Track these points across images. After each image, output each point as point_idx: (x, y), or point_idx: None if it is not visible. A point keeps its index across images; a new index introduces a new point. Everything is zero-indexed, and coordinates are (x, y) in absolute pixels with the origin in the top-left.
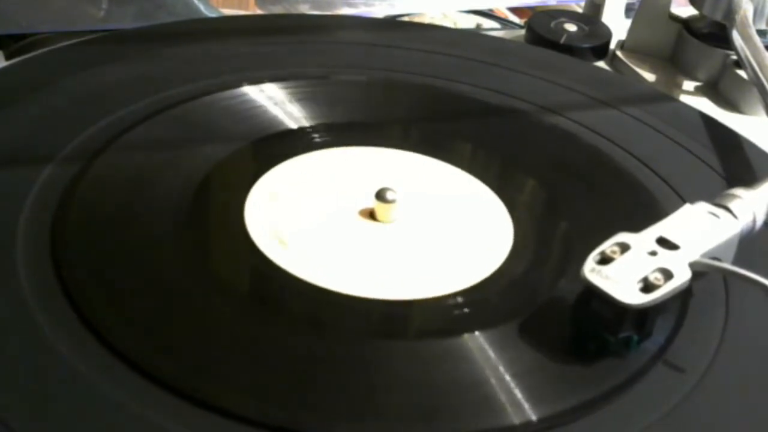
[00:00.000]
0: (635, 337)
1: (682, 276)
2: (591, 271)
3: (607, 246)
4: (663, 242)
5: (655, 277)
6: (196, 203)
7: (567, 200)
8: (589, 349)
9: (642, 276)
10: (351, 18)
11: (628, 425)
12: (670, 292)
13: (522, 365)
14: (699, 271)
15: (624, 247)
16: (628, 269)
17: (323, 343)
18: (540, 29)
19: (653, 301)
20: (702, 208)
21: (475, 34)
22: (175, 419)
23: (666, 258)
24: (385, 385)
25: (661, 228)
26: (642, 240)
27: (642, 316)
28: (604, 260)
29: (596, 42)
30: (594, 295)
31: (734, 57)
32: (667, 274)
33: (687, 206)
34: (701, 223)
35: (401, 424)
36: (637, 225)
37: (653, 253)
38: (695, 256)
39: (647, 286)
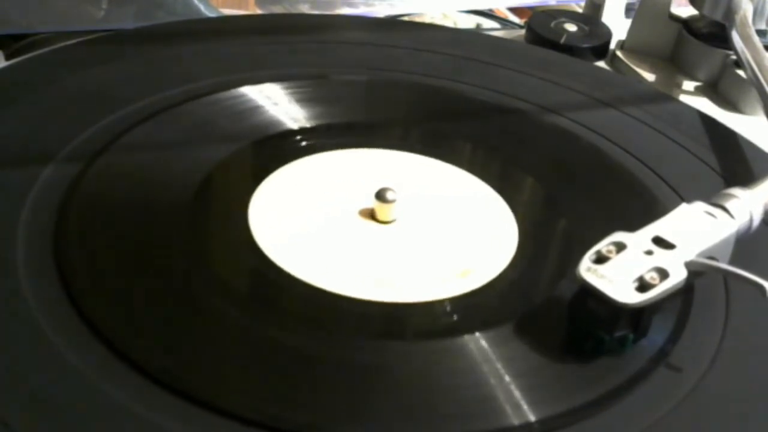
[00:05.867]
0: (631, 336)
1: (677, 275)
2: (587, 270)
3: (603, 245)
4: (659, 241)
5: (651, 277)
6: (196, 203)
7: (566, 200)
8: (585, 348)
9: (638, 275)
10: (351, 18)
11: (628, 426)
12: (666, 292)
13: (522, 366)
14: (695, 271)
15: (620, 247)
16: (623, 268)
17: (323, 343)
18: (540, 29)
19: (648, 300)
20: (699, 207)
21: (475, 34)
22: (175, 419)
23: (662, 257)
24: (384, 385)
25: (658, 227)
26: (638, 239)
27: (638, 315)
28: (600, 259)
29: (596, 42)
30: (589, 294)
31: (734, 57)
32: (663, 274)
33: (684, 205)
34: (698, 223)
35: (400, 425)
36: (637, 225)
37: (649, 253)
38: (691, 256)
39: (643, 286)
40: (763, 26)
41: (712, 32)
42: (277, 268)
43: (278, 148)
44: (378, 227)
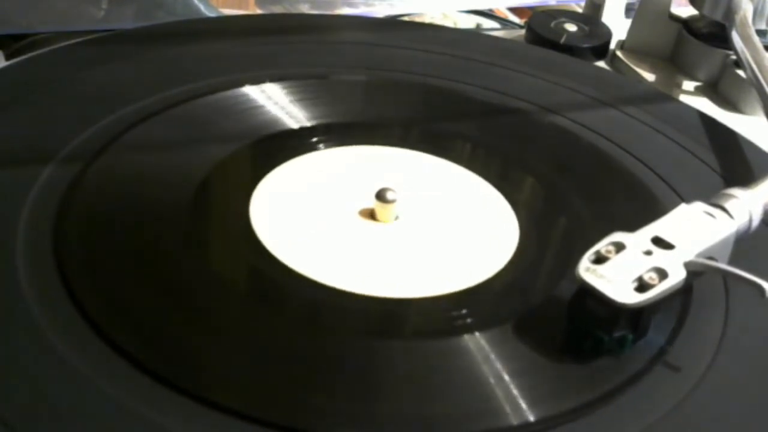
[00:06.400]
0: (630, 336)
1: (676, 275)
2: (586, 270)
3: (602, 245)
4: (658, 242)
5: (650, 277)
6: (196, 203)
7: (566, 200)
8: (584, 348)
9: (637, 275)
10: (351, 18)
11: (628, 425)
12: (665, 292)
13: (521, 366)
14: (694, 271)
15: (619, 247)
16: (622, 268)
17: (322, 342)
18: (540, 29)
19: (647, 300)
20: (698, 207)
21: (475, 34)
22: (176, 418)
23: (661, 257)
24: (384, 384)
25: (657, 227)
26: (637, 239)
27: (637, 316)
28: (599, 259)
29: (596, 42)
30: (589, 294)
31: (734, 57)
32: (662, 274)
33: (683, 206)
34: (697, 223)
35: (400, 425)
36: (637, 225)
37: (648, 253)
38: (690, 256)
39: (642, 286)
40: (763, 26)
41: (712, 32)
42: (280, 265)
43: (278, 147)
44: (378, 227)
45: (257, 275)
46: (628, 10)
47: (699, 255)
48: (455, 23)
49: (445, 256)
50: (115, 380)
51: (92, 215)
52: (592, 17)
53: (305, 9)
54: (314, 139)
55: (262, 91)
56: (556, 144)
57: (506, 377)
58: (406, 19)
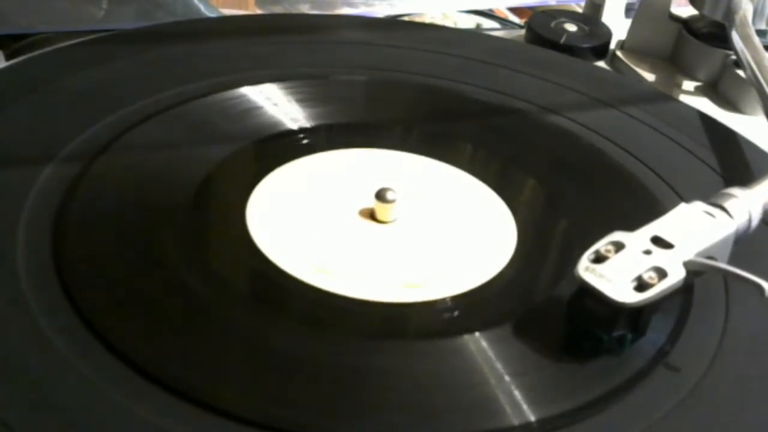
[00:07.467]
0: (629, 336)
1: (676, 275)
2: (585, 269)
3: (602, 245)
4: (658, 241)
5: (649, 276)
6: (196, 204)
7: (566, 200)
8: (583, 348)
9: (636, 275)
10: (351, 18)
11: (627, 426)
12: (664, 291)
13: (522, 366)
14: (694, 270)
15: (618, 246)
16: (622, 268)
17: (322, 343)
18: (540, 29)
19: (647, 300)
20: (697, 207)
21: (475, 34)
22: (175, 419)
23: (660, 257)
24: (384, 385)
25: (656, 227)
26: (637, 239)
27: (636, 315)
28: (599, 259)
29: (596, 42)
30: (588, 293)
31: (734, 57)
32: (661, 273)
33: (682, 205)
34: (696, 222)
35: (400, 425)
36: (637, 224)
37: (648, 252)
38: (690, 255)
39: (641, 285)
40: (763, 26)
41: (712, 32)
42: (277, 268)
43: (278, 148)
44: (378, 227)
45: (255, 278)
46: (628, 10)
47: (698, 254)
48: (455, 23)
49: (445, 256)
50: (114, 381)
51: (92, 215)
52: (592, 17)
53: (305, 9)
54: (314, 140)
55: (262, 92)
56: (556, 144)
57: (506, 377)
58: (406, 19)
